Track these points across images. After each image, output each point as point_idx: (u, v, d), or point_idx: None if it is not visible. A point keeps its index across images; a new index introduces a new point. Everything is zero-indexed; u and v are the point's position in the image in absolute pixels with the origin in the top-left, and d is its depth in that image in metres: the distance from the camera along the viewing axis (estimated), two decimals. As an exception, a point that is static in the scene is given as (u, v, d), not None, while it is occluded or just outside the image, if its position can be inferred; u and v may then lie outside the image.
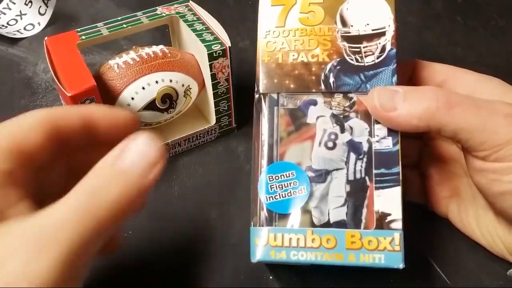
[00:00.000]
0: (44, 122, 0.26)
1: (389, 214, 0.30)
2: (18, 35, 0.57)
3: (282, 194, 0.30)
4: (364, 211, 0.30)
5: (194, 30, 0.40)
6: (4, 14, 0.57)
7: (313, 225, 0.30)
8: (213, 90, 0.41)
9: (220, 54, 0.39)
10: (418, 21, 0.58)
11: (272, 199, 0.30)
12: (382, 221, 0.30)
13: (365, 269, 0.31)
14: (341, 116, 0.32)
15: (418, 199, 0.37)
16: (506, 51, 0.54)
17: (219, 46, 0.39)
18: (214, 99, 0.41)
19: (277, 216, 0.30)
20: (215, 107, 0.42)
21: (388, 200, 0.30)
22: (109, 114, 0.28)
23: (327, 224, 0.30)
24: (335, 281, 0.35)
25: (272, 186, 0.31)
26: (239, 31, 0.56)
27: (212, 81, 0.40)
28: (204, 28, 0.40)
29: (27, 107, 0.49)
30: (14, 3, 0.57)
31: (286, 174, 0.31)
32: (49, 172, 0.28)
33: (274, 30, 0.33)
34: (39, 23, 0.58)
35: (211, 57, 0.38)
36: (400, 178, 0.30)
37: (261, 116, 0.32)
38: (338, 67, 0.32)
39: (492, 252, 0.34)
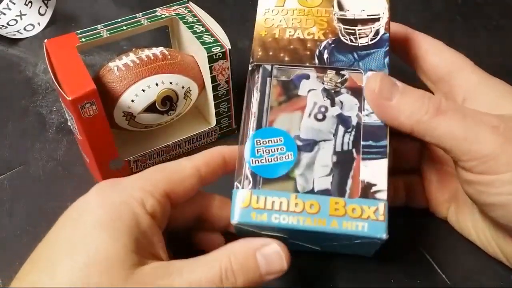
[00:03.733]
0: (196, 176, 0.31)
1: (375, 185, 0.29)
2: (18, 36, 0.57)
3: (268, 159, 0.30)
4: (350, 181, 0.30)
5: (194, 32, 0.40)
6: (4, 14, 0.57)
7: (297, 191, 0.30)
8: (213, 92, 0.41)
9: (220, 56, 0.39)
10: (418, 21, 0.58)
11: (258, 162, 0.30)
12: (367, 191, 0.29)
13: (362, 258, 0.32)
14: (332, 91, 0.32)
15: (420, 204, 0.37)
16: (506, 51, 0.54)
17: (219, 48, 0.39)
18: (214, 101, 0.41)
19: (261, 179, 0.30)
20: (215, 109, 0.42)
21: (375, 171, 0.30)
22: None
23: (311, 192, 0.30)
24: (335, 281, 0.35)
25: (258, 150, 0.30)
26: (239, 31, 0.56)
27: (212, 83, 0.40)
28: (204, 30, 0.40)
29: (27, 108, 0.49)
30: (14, 4, 0.57)
31: (274, 140, 0.31)
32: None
33: (273, 8, 0.34)
34: (39, 24, 0.58)
35: (211, 59, 0.38)
36: (388, 151, 0.30)
37: (254, 85, 0.33)
38: (333, 45, 0.33)
39: (489, 254, 0.34)
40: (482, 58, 0.52)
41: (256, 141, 0.31)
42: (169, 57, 0.40)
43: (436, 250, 0.36)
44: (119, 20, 0.42)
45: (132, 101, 0.38)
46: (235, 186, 0.30)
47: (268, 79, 0.33)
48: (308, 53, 0.33)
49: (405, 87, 0.30)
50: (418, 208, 0.37)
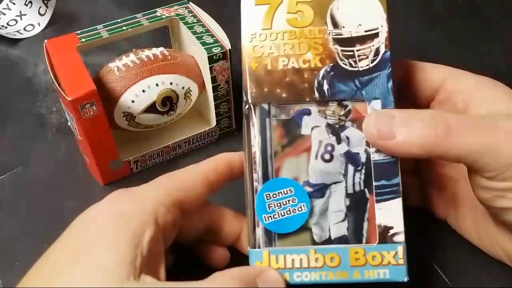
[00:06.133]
0: (205, 182, 0.30)
1: (391, 227, 0.29)
2: (18, 36, 0.57)
3: (281, 213, 0.29)
4: (365, 224, 0.30)
5: (194, 33, 0.40)
6: (4, 14, 0.57)
7: (314, 242, 0.29)
8: (213, 93, 0.41)
9: (220, 57, 0.39)
10: (418, 21, 0.58)
11: (271, 218, 0.29)
12: (385, 235, 0.29)
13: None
14: (337, 126, 0.30)
15: (417, 203, 0.37)
16: (506, 51, 0.54)
17: (219, 49, 0.39)
18: (214, 101, 0.41)
19: (276, 236, 0.29)
20: (215, 109, 0.42)
21: (390, 213, 0.29)
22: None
23: (329, 241, 0.29)
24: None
25: (270, 205, 0.29)
26: (239, 32, 0.56)
27: (212, 84, 0.40)
28: (204, 31, 0.40)
29: (27, 108, 0.49)
30: (14, 4, 0.57)
31: (284, 191, 0.30)
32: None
33: (260, 32, 0.31)
34: (39, 24, 0.58)
35: (211, 60, 0.38)
36: (401, 189, 0.30)
37: (252, 128, 0.30)
38: (332, 73, 0.30)
39: (492, 257, 0.34)
40: (482, 58, 0.53)
41: (266, 195, 0.29)
42: (169, 57, 0.40)
43: (437, 250, 0.36)
44: (119, 20, 0.42)
45: (132, 101, 0.38)
46: (249, 244, 0.30)
47: (267, 119, 0.30)
48: (307, 85, 0.30)
49: (404, 115, 0.29)
50: (418, 209, 0.37)
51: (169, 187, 0.29)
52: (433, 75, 0.34)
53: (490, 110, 0.31)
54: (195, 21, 0.42)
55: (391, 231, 0.29)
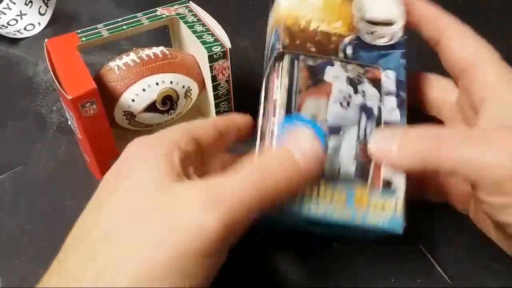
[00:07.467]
0: (214, 126, 0.32)
1: (393, 180, 0.32)
2: (18, 35, 0.57)
3: None
4: (371, 169, 0.32)
5: (194, 32, 0.40)
6: (4, 14, 0.57)
7: (324, 176, 0.31)
8: (213, 92, 0.41)
9: (221, 55, 0.39)
10: (418, 21, 0.58)
11: None
12: (387, 185, 0.32)
13: (363, 257, 0.34)
14: (355, 80, 0.33)
15: (438, 198, 0.36)
16: (506, 51, 0.54)
17: (220, 47, 0.39)
18: (214, 100, 0.41)
19: None
20: (215, 108, 0.42)
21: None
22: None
23: (337, 175, 0.32)
24: (336, 280, 0.35)
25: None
26: (239, 31, 0.56)
27: (212, 83, 0.40)
28: (204, 30, 0.40)
29: (28, 108, 0.49)
30: (14, 3, 0.57)
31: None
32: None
33: (297, 3, 0.34)
34: (39, 23, 0.58)
35: (212, 58, 0.38)
36: None
37: (277, 73, 0.33)
38: (356, 42, 0.34)
39: (493, 256, 0.34)
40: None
41: (286, 127, 0.31)
42: (169, 56, 0.40)
43: (437, 249, 0.36)
44: (119, 19, 0.42)
45: (133, 100, 0.38)
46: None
47: (296, 61, 0.33)
48: (333, 46, 0.34)
49: (403, 131, 0.30)
50: (419, 207, 0.37)
51: (183, 129, 0.31)
52: (462, 53, 0.33)
53: (501, 116, 0.30)
54: (195, 20, 0.42)
55: (393, 182, 0.32)
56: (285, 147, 0.28)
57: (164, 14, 0.42)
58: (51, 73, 0.37)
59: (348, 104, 0.33)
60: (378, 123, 0.33)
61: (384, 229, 0.31)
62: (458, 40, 0.34)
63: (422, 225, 0.37)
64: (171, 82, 0.39)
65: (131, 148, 0.30)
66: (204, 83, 0.42)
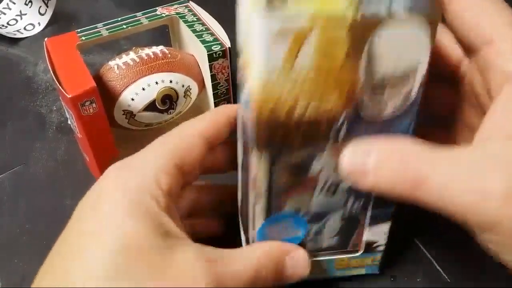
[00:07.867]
0: (203, 139, 0.29)
1: (376, 241, 0.32)
2: (18, 35, 0.57)
3: (278, 237, 0.30)
4: (353, 238, 0.32)
5: (194, 31, 0.40)
6: (4, 14, 0.57)
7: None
8: (213, 91, 0.41)
9: (220, 55, 0.39)
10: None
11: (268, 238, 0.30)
12: (369, 247, 0.32)
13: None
14: None
15: None
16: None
17: (219, 47, 0.39)
18: (214, 99, 0.41)
19: None
20: (215, 108, 0.42)
21: (377, 232, 0.31)
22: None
23: (319, 250, 0.32)
24: (335, 280, 0.35)
25: (270, 234, 0.30)
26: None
27: (212, 82, 0.40)
28: (204, 29, 0.40)
29: (27, 107, 0.49)
30: (14, 3, 0.57)
31: (284, 223, 0.30)
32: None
33: (276, 73, 0.23)
34: (39, 23, 0.58)
35: (211, 58, 0.38)
36: (391, 215, 0.31)
37: (257, 172, 0.27)
38: (352, 121, 0.26)
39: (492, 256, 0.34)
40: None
41: (267, 228, 0.30)
42: (169, 55, 0.40)
43: (437, 248, 0.36)
44: (119, 19, 0.42)
45: (132, 99, 0.38)
46: (243, 242, 0.32)
47: (277, 160, 0.26)
48: (324, 127, 0.26)
49: (378, 155, 0.24)
50: (419, 207, 0.37)
51: (166, 151, 0.28)
52: (477, 28, 0.25)
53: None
54: (195, 19, 0.42)
55: (375, 244, 0.32)
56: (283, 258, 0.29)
57: (164, 13, 0.42)
58: (51, 72, 0.37)
59: (335, 191, 0.28)
60: (367, 200, 0.29)
61: (361, 274, 0.34)
62: (472, 9, 0.25)
63: (421, 224, 0.37)
64: (170, 82, 0.39)
65: (107, 185, 0.26)
66: (204, 82, 0.42)
